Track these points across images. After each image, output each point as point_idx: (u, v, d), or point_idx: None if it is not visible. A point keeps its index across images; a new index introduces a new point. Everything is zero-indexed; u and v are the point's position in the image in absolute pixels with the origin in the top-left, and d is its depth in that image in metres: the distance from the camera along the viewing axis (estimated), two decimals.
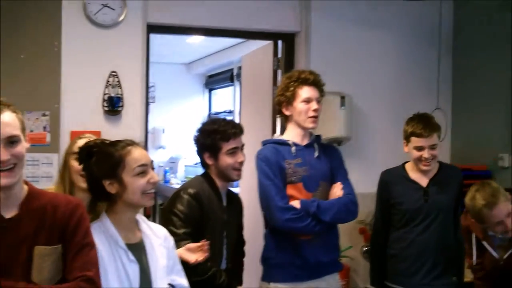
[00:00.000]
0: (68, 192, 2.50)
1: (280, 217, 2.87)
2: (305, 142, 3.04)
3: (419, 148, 3.11)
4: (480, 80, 4.48)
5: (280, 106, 3.06)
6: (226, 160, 2.83)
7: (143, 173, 2.12)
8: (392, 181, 3.26)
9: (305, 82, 2.99)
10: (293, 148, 2.99)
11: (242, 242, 3.15)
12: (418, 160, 3.13)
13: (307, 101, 2.97)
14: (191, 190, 2.76)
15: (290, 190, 2.95)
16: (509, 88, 4.16)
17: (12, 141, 1.79)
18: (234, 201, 3.05)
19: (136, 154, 2.13)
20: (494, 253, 2.99)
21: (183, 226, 2.67)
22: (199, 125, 2.99)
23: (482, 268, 3.07)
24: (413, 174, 3.22)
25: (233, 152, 2.84)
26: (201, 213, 2.74)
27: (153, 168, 2.19)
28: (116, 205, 2.14)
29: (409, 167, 3.26)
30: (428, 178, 3.19)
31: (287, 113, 3.04)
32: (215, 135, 2.82)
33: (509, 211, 2.83)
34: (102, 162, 2.12)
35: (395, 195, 3.22)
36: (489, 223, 2.87)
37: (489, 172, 4.28)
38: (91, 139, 2.41)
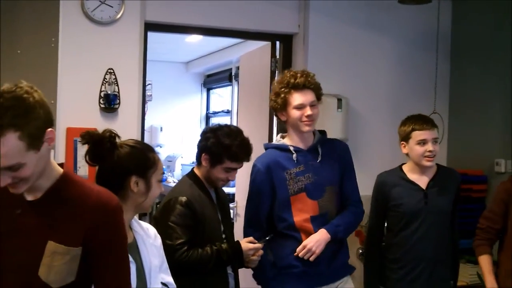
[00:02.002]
0: None
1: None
2: (308, 145, 2.96)
3: (423, 142, 3.07)
4: (478, 85, 4.47)
5: (275, 111, 3.00)
6: (220, 173, 2.83)
7: (161, 182, 2.17)
8: (390, 182, 3.19)
9: (295, 87, 2.87)
10: (294, 156, 2.92)
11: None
12: (421, 155, 3.07)
13: (300, 107, 2.87)
14: (182, 199, 2.74)
15: (294, 203, 2.90)
16: (506, 93, 4.16)
17: (12, 169, 1.57)
18: (221, 195, 3.03)
19: (161, 163, 2.20)
20: None
21: (178, 237, 2.67)
22: (215, 125, 2.95)
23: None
24: (412, 175, 3.17)
25: (230, 170, 2.84)
26: (195, 220, 2.74)
27: None
28: (124, 204, 2.10)
29: (406, 168, 3.21)
30: (427, 180, 3.15)
31: (282, 118, 2.97)
32: (225, 150, 2.79)
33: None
34: (136, 157, 2.12)
35: (394, 197, 3.15)
36: None
37: (485, 177, 4.27)
38: None
